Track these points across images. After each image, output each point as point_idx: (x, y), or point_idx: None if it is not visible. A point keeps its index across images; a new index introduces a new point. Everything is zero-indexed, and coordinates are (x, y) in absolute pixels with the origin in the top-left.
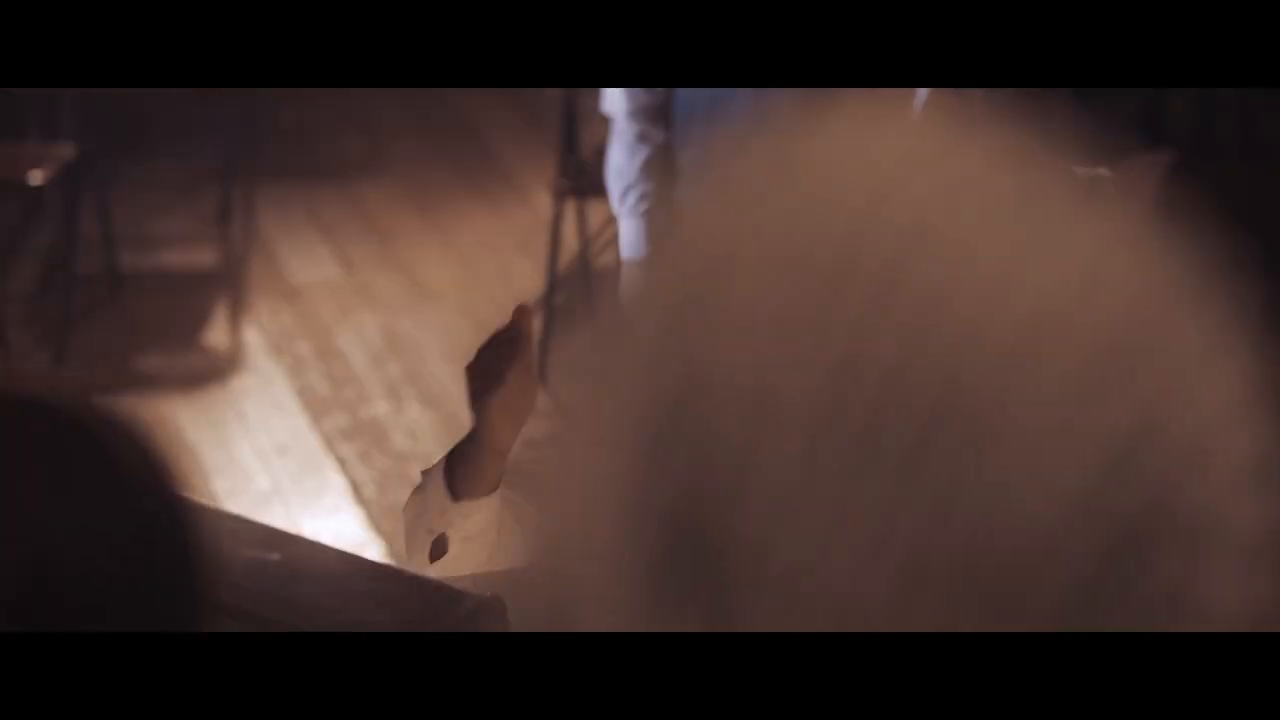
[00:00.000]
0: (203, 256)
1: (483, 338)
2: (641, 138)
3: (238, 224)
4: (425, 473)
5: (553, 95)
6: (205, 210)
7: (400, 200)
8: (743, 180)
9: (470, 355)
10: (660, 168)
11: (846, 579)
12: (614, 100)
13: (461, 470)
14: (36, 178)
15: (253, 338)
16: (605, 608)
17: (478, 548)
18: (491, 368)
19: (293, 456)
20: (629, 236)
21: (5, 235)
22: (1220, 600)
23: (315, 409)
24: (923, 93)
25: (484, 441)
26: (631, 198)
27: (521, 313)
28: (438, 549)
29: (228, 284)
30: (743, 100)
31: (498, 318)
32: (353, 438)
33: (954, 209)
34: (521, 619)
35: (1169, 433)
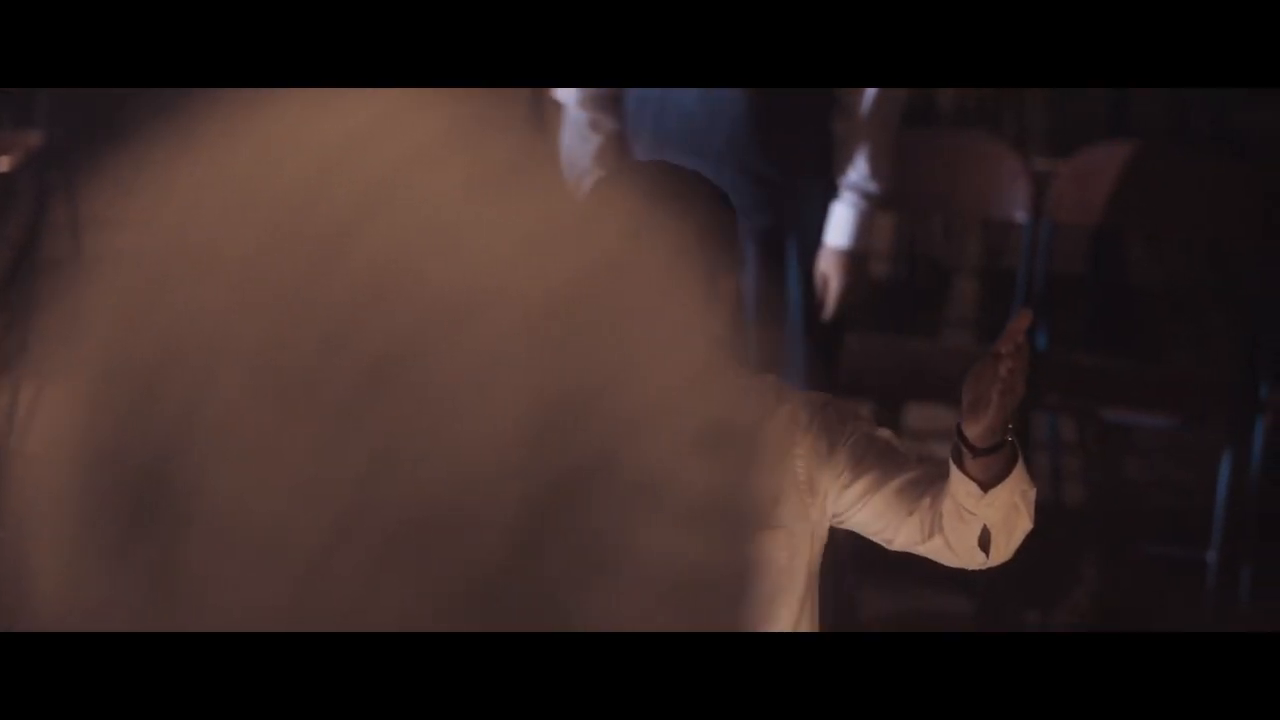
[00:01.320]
0: None
1: None
2: (593, 125)
3: None
4: None
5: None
6: None
7: None
8: (188, 175)
9: None
10: (613, 156)
11: (280, 519)
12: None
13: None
14: (4, 164)
15: None
16: (58, 554)
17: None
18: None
19: None
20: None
21: None
22: (657, 555)
23: None
24: None
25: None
26: (586, 185)
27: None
28: None
29: None
30: (694, 90)
31: None
32: None
33: (407, 183)
34: None
35: (618, 398)
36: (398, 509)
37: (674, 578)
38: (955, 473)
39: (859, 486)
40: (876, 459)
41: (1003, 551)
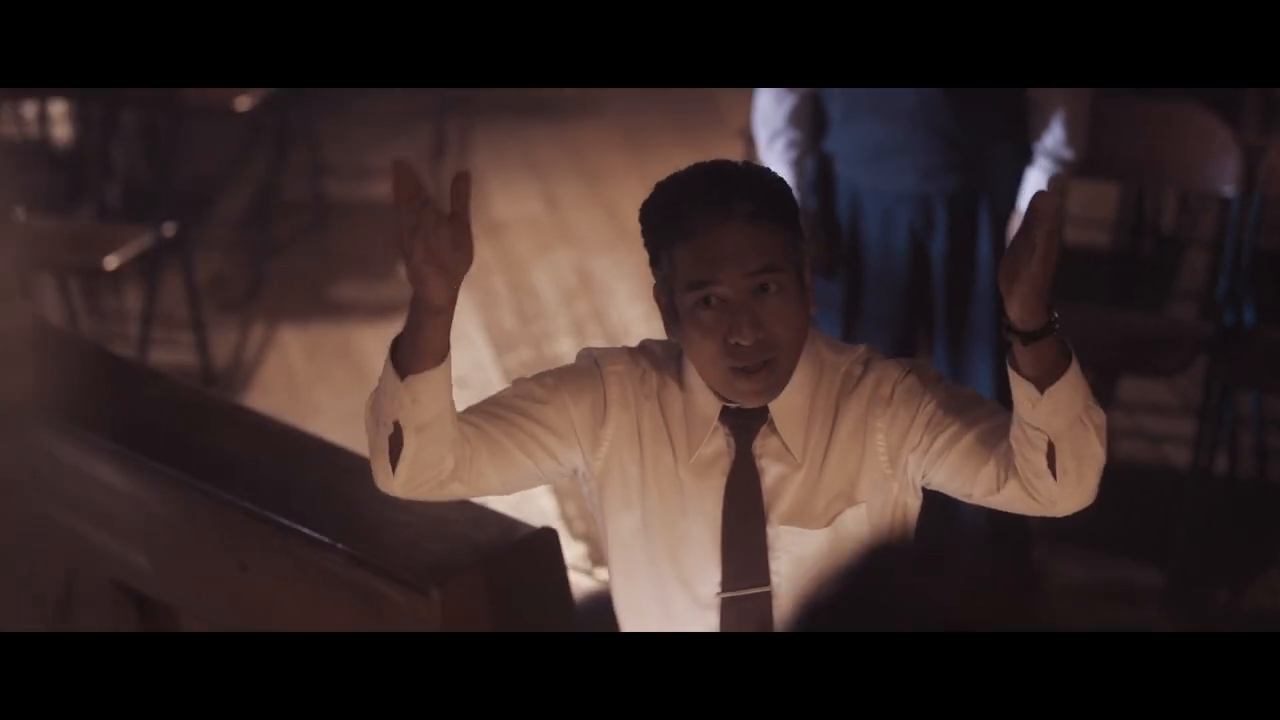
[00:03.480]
0: None
1: None
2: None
3: (451, 159)
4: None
5: None
6: (421, 145)
7: (611, 142)
8: None
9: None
10: (807, 115)
11: None
12: None
13: (404, 341)
14: (243, 104)
15: None
16: None
17: (435, 439)
18: (419, 223)
19: (470, 387)
20: None
21: (225, 163)
22: None
23: (500, 343)
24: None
25: (419, 300)
26: (779, 144)
27: (459, 179)
28: (395, 445)
29: None
30: None
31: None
32: (533, 372)
33: None
34: None
35: None
36: None
37: None
38: (1013, 379)
39: (937, 446)
40: (955, 417)
41: (1072, 477)
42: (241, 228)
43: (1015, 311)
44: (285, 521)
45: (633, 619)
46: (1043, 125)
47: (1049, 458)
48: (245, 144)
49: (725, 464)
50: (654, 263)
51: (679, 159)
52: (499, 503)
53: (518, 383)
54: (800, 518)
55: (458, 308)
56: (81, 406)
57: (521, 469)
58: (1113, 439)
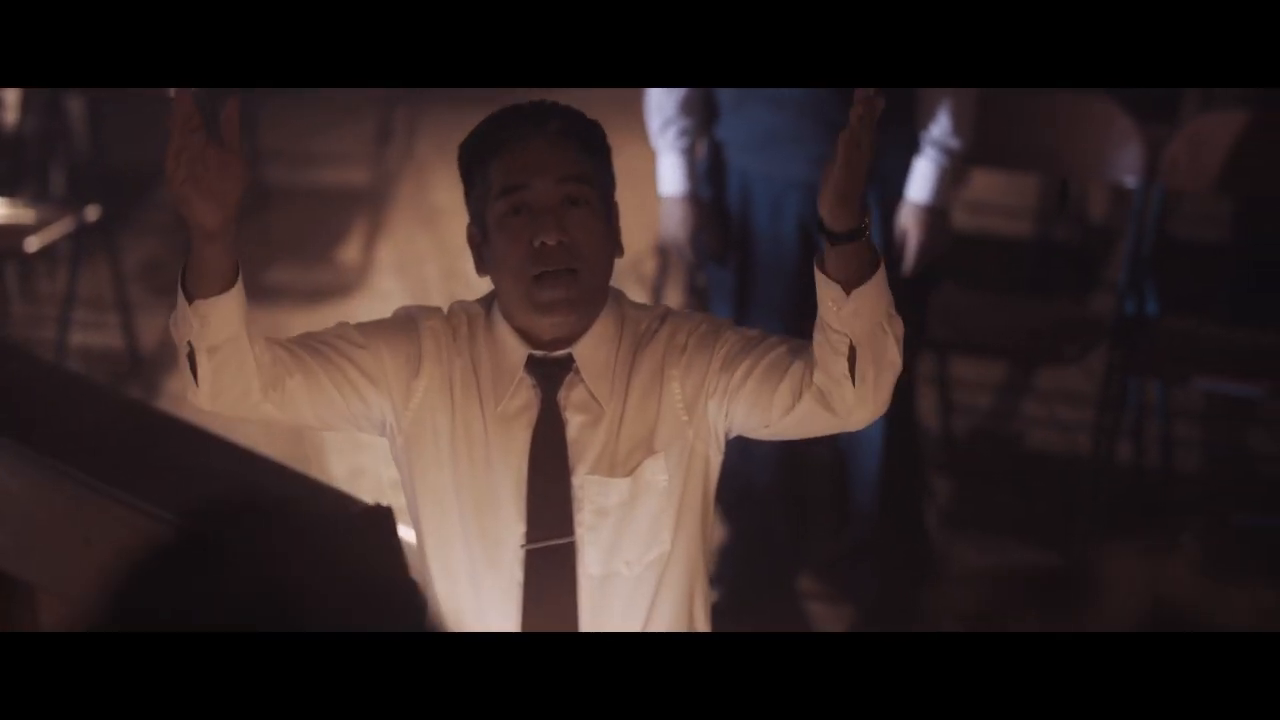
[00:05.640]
0: (355, 175)
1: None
2: None
3: (397, 146)
4: None
5: None
6: (367, 131)
7: None
8: None
9: None
10: (698, 103)
11: None
12: None
13: (189, 267)
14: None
15: (385, 257)
16: None
17: (229, 361)
18: (184, 146)
19: None
20: (668, 172)
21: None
22: None
23: None
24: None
25: (189, 223)
26: (671, 132)
27: (230, 107)
28: (192, 365)
29: (371, 203)
30: None
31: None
32: None
33: None
34: None
35: None
36: None
37: None
38: (820, 281)
39: (734, 382)
40: (748, 352)
41: (870, 385)
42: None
43: (828, 211)
44: (121, 494)
45: (444, 580)
46: (929, 114)
47: (850, 362)
48: None
49: (531, 416)
50: (468, 193)
51: (625, 149)
52: (342, 479)
53: (339, 325)
54: (604, 467)
55: (389, 294)
56: None
57: (332, 404)
58: (1026, 427)
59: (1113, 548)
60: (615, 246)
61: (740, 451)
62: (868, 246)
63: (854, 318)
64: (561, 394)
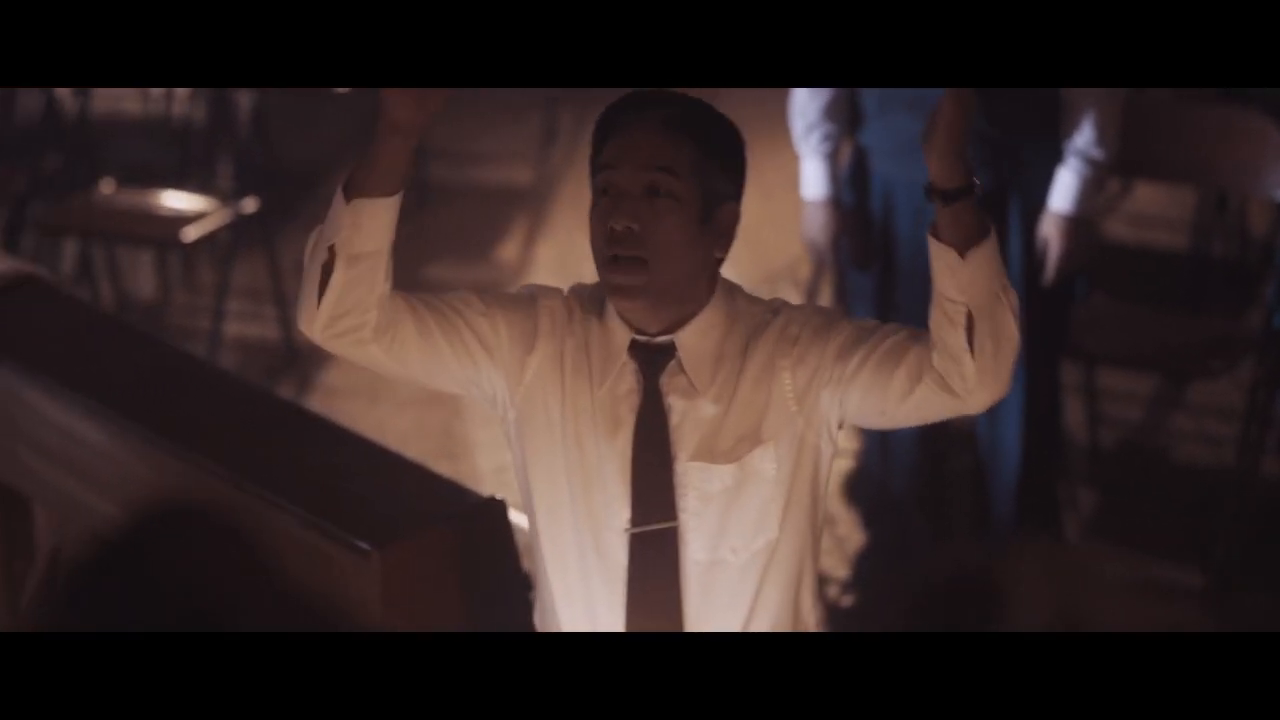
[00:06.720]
0: (518, 175)
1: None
2: None
3: (561, 146)
4: None
5: None
6: (532, 131)
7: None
8: None
9: None
10: (842, 108)
11: None
12: None
13: (360, 163)
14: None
15: (544, 255)
16: None
17: (364, 278)
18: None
19: None
20: (811, 177)
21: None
22: None
23: None
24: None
25: (383, 117)
26: (814, 138)
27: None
28: (325, 274)
29: (534, 203)
30: None
31: (780, 258)
32: None
33: None
34: None
35: None
36: None
37: None
38: (934, 248)
39: (849, 371)
40: (862, 342)
41: (989, 358)
42: None
43: (934, 169)
44: (246, 483)
45: (555, 564)
46: (1074, 124)
47: (968, 334)
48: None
49: (635, 400)
50: (592, 175)
51: (783, 154)
52: (452, 472)
53: (462, 291)
54: (706, 453)
55: None
56: (68, 365)
57: (442, 361)
58: (1173, 441)
59: (1254, 561)
60: (707, 244)
61: (880, 459)
62: (978, 211)
63: (970, 284)
64: (664, 380)
